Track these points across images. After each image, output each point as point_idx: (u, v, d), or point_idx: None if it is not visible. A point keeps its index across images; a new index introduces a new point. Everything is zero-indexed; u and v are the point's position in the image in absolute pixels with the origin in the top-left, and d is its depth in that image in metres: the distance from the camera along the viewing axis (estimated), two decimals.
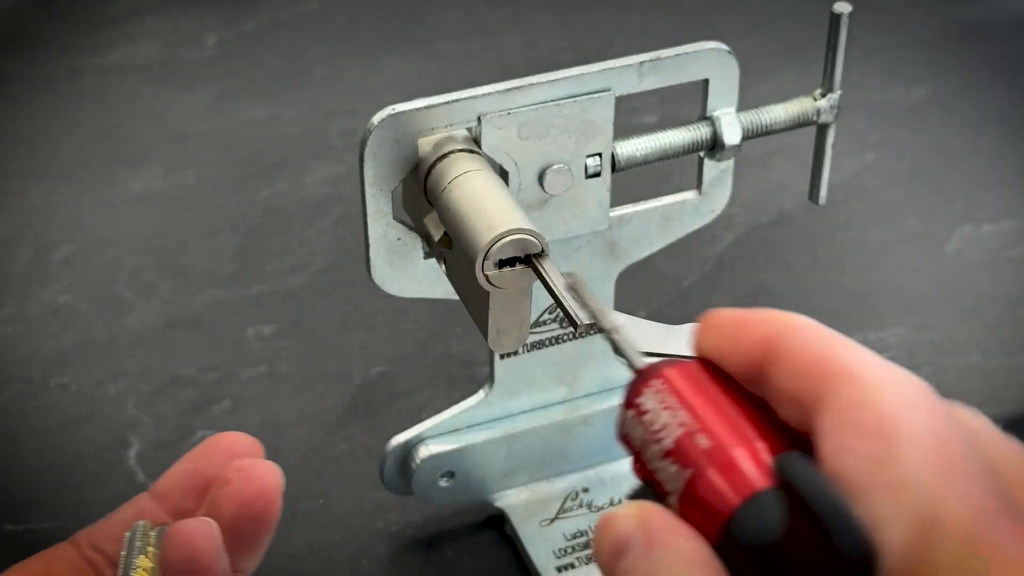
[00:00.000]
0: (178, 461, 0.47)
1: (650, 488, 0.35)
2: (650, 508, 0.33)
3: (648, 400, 0.35)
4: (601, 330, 0.39)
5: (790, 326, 0.34)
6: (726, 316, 0.35)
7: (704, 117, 0.53)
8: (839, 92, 0.54)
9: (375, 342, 0.72)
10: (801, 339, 0.34)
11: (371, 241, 0.51)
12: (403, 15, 0.99)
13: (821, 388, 0.32)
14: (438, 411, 0.59)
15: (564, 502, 0.62)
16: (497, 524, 0.62)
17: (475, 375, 0.69)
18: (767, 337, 0.34)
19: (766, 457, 0.33)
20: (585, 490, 0.62)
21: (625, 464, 0.61)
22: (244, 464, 0.43)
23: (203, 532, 0.41)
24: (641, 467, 0.35)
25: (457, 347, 0.72)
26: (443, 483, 0.60)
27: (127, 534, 0.45)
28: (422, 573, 0.61)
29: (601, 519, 0.34)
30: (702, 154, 0.54)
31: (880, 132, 0.87)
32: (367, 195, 0.50)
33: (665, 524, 0.33)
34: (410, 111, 0.49)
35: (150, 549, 0.44)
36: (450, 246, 0.48)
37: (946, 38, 0.96)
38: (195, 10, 0.98)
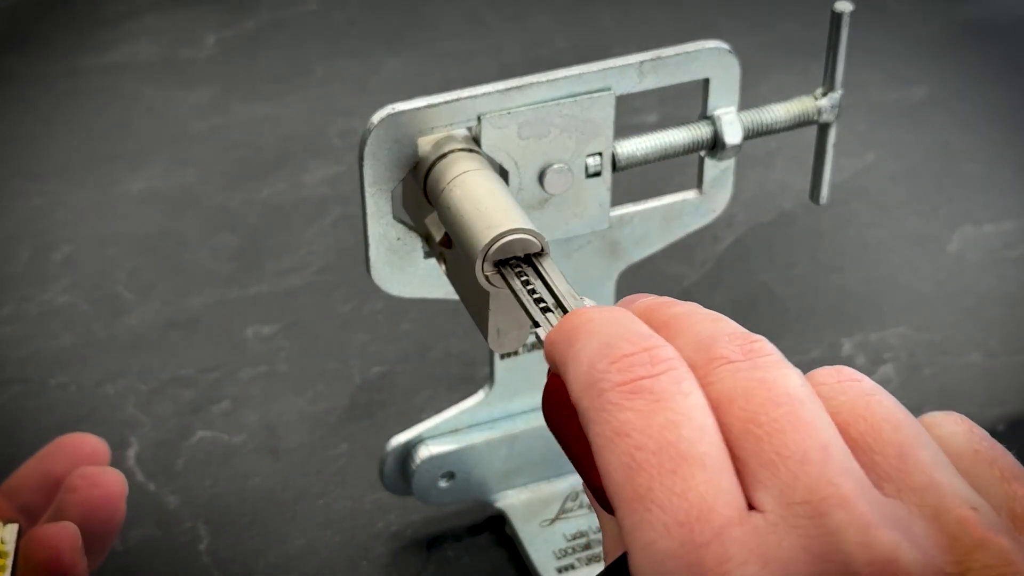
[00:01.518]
0: (28, 460, 0.50)
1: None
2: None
3: None
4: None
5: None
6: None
7: (705, 116, 0.53)
8: (840, 91, 0.54)
9: (375, 342, 0.72)
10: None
11: (371, 241, 0.51)
12: (403, 15, 0.99)
13: None
14: (438, 411, 0.59)
15: (564, 503, 0.62)
16: (497, 525, 0.62)
17: (475, 375, 0.69)
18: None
19: None
20: None
21: None
22: (90, 471, 0.47)
23: (66, 535, 0.44)
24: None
25: (457, 347, 0.72)
26: (443, 484, 0.60)
27: None
28: (422, 573, 0.61)
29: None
30: (703, 154, 0.54)
31: (880, 132, 0.87)
32: (367, 195, 0.50)
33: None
34: (410, 110, 0.49)
35: (1, 545, 0.46)
36: (450, 246, 0.48)
37: (946, 38, 0.96)
38: (195, 10, 0.98)
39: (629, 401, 0.30)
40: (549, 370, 0.35)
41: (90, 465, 0.48)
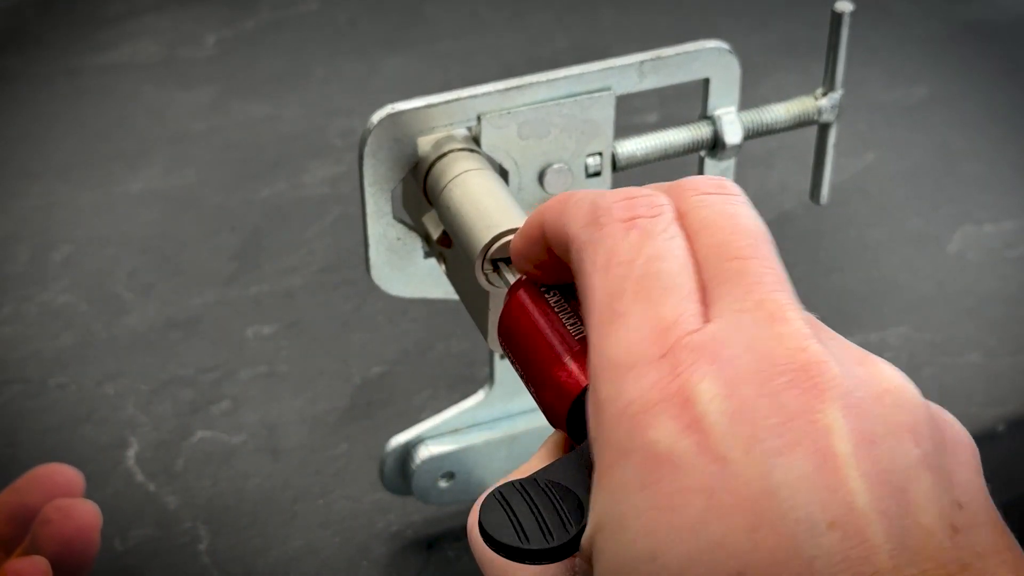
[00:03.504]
0: (2, 492, 0.50)
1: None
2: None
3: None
4: None
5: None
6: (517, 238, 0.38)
7: (705, 116, 0.53)
8: (840, 91, 0.54)
9: (375, 342, 0.72)
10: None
11: (371, 241, 0.51)
12: (403, 15, 0.99)
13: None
14: (438, 411, 0.59)
15: None
16: None
17: (475, 375, 0.69)
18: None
19: None
20: None
21: None
22: (64, 504, 0.47)
23: (34, 571, 0.45)
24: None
25: (457, 347, 0.72)
26: (443, 484, 0.60)
27: None
28: (422, 573, 0.61)
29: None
30: (703, 153, 0.54)
31: (880, 132, 0.87)
32: (367, 194, 0.50)
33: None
34: (410, 110, 0.49)
35: None
36: (449, 245, 0.48)
37: (946, 38, 0.96)
38: (195, 9, 0.98)
39: (626, 234, 0.34)
40: (508, 291, 0.38)
41: (65, 496, 0.48)
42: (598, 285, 0.33)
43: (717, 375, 0.31)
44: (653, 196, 0.35)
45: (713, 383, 0.31)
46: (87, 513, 0.47)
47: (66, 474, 0.50)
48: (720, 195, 0.35)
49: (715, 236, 0.34)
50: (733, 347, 0.31)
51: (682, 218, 0.35)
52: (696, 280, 0.33)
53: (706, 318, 0.32)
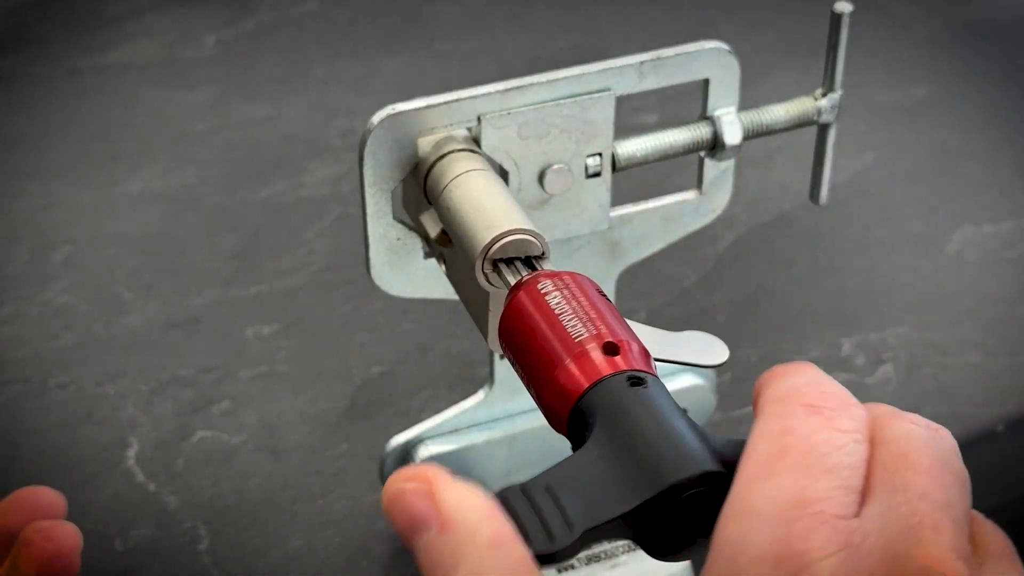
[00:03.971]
0: None
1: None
2: (439, 478, 0.34)
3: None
4: None
5: None
6: None
7: (704, 117, 0.53)
8: (840, 92, 0.54)
9: (375, 342, 0.72)
10: None
11: (371, 241, 0.51)
12: (403, 15, 0.99)
13: None
14: (438, 411, 0.59)
15: None
16: None
17: (475, 375, 0.69)
18: None
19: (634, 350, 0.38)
20: None
21: None
22: (44, 525, 0.47)
23: None
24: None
25: (457, 347, 0.72)
26: None
27: None
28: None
29: (388, 488, 0.34)
30: (703, 154, 0.54)
31: (880, 132, 0.87)
32: (367, 195, 0.50)
33: (456, 500, 0.33)
34: (410, 111, 0.49)
35: None
36: (447, 244, 0.48)
37: (946, 38, 0.96)
38: (195, 10, 0.98)
39: (807, 414, 0.34)
40: (509, 293, 0.38)
41: (45, 519, 0.48)
42: (760, 446, 0.33)
43: (843, 559, 0.30)
44: (852, 408, 0.34)
45: (837, 564, 0.30)
46: (67, 535, 0.48)
47: (47, 496, 0.50)
48: (927, 429, 0.34)
49: (904, 447, 0.33)
50: (870, 539, 0.31)
51: (879, 430, 0.34)
52: (862, 480, 0.33)
53: (856, 514, 0.32)
